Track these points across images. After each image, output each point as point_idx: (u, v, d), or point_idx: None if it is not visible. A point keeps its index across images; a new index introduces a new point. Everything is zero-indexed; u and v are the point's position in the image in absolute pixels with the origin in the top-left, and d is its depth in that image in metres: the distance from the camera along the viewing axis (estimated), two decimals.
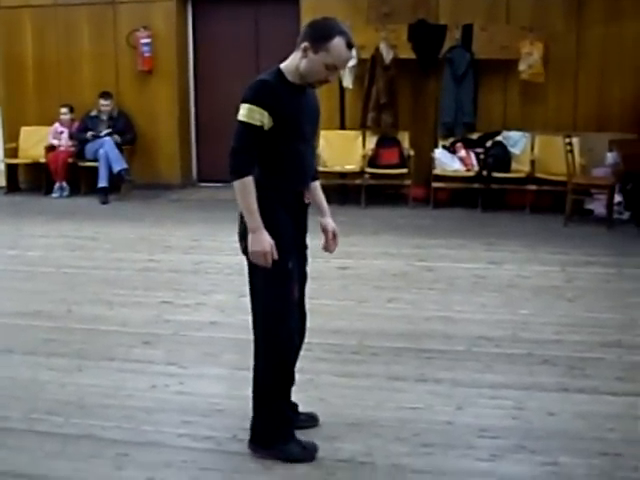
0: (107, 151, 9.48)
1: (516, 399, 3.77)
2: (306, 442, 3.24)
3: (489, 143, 8.86)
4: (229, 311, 5.15)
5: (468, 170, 8.83)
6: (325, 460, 3.19)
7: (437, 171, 8.87)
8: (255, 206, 2.99)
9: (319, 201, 3.33)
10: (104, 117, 9.81)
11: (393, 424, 3.52)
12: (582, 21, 8.84)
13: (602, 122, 8.81)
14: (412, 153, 8.97)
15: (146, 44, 9.86)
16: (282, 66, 3.08)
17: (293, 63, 3.06)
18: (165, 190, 9.92)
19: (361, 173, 9.07)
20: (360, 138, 9.31)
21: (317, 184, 3.33)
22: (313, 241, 3.34)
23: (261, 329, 3.16)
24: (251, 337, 3.22)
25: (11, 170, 10.31)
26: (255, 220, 2.99)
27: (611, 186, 7.89)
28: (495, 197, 8.77)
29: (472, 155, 8.86)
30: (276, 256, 3.01)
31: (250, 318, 3.24)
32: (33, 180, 10.31)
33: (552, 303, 5.32)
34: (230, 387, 3.94)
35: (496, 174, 8.64)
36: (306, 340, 3.35)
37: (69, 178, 9.87)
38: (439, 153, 8.94)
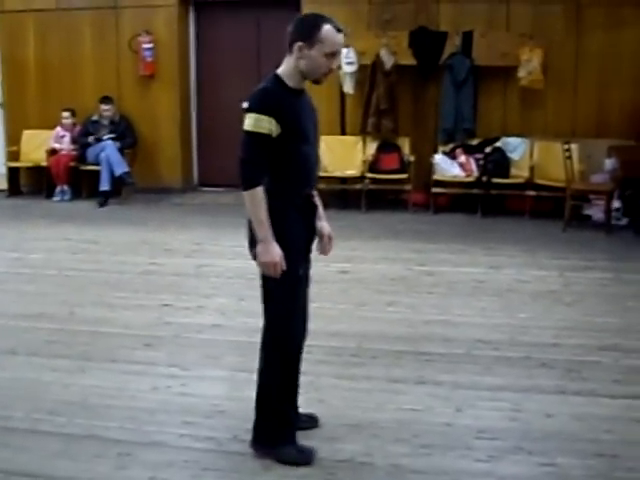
0: (109, 154, 9.52)
1: (514, 401, 3.81)
2: (305, 446, 3.26)
3: (489, 149, 8.91)
4: (230, 314, 5.18)
5: (468, 176, 8.88)
6: (325, 460, 3.22)
7: (437, 176, 8.91)
8: (265, 216, 2.99)
9: (316, 204, 3.36)
10: (105, 122, 9.85)
11: (393, 425, 3.55)
12: (581, 28, 8.89)
13: (601, 128, 8.86)
14: (412, 159, 9.01)
15: (148, 49, 9.90)
16: (279, 72, 3.10)
17: (290, 67, 3.09)
18: (166, 194, 9.96)
19: (361, 178, 9.11)
20: (360, 143, 9.35)
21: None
22: None
23: (269, 332, 3.19)
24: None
25: (13, 173, 10.33)
26: (265, 230, 3.00)
27: (610, 192, 7.93)
28: (494, 202, 8.81)
29: (472, 161, 8.91)
30: (285, 267, 3.03)
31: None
32: (35, 183, 10.33)
33: (550, 307, 5.37)
34: (231, 389, 3.97)
35: (495, 180, 8.69)
36: (307, 343, 3.39)
37: (71, 182, 9.90)
38: (439, 159, 8.98)
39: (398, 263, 6.60)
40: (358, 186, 9.14)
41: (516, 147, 8.89)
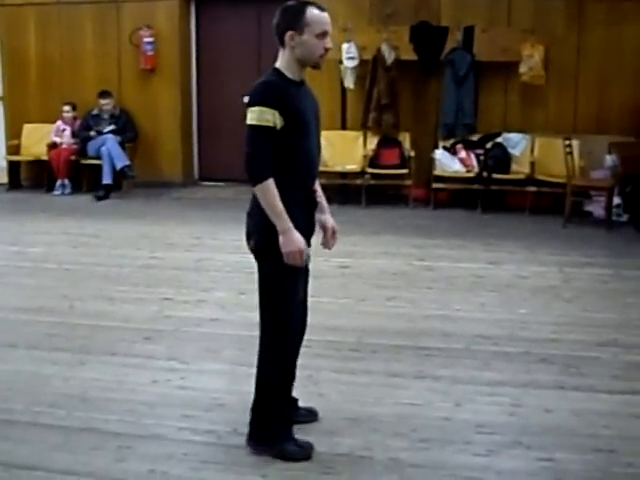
0: (109, 148, 9.53)
1: (513, 396, 3.82)
2: (303, 441, 3.26)
3: (489, 144, 8.90)
4: (229, 308, 5.19)
5: (468, 171, 8.87)
6: (324, 454, 3.23)
7: (437, 172, 8.91)
8: (281, 207, 2.97)
9: (318, 198, 3.36)
10: (106, 115, 9.85)
11: (391, 419, 3.57)
12: (583, 24, 8.88)
13: (602, 125, 8.85)
14: (413, 154, 9.00)
15: (149, 43, 9.90)
16: (278, 66, 3.10)
17: (286, 59, 3.08)
18: (167, 188, 9.95)
19: (362, 173, 9.11)
20: (361, 138, 9.35)
21: (316, 181, 3.37)
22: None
23: (268, 326, 3.18)
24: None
25: (13, 167, 10.34)
26: (284, 221, 2.98)
27: (610, 188, 7.93)
28: (495, 198, 8.81)
29: (472, 156, 8.90)
30: (309, 252, 3.01)
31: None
32: (35, 177, 10.34)
33: (550, 303, 5.37)
34: (230, 382, 3.99)
35: (496, 175, 8.68)
36: (306, 337, 3.40)
37: (71, 175, 9.91)
38: (439, 154, 8.98)
39: (398, 258, 6.60)
40: (358, 181, 9.14)
41: (517, 143, 8.88)
